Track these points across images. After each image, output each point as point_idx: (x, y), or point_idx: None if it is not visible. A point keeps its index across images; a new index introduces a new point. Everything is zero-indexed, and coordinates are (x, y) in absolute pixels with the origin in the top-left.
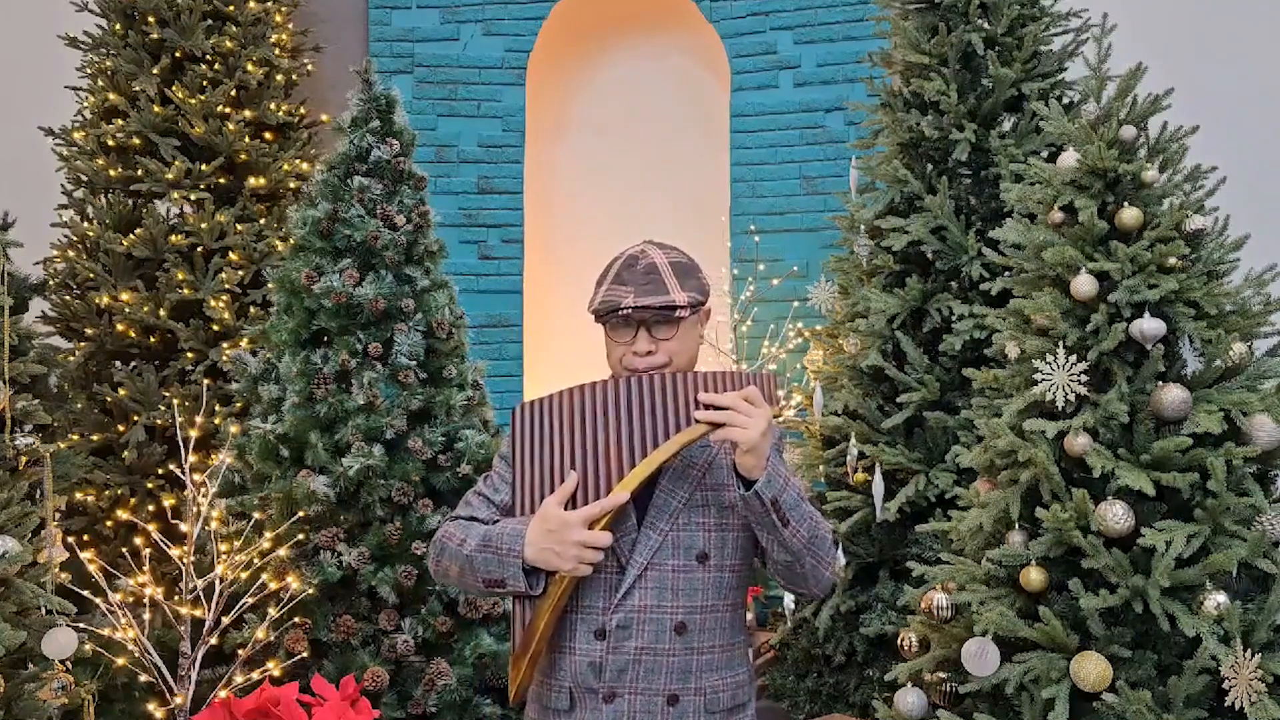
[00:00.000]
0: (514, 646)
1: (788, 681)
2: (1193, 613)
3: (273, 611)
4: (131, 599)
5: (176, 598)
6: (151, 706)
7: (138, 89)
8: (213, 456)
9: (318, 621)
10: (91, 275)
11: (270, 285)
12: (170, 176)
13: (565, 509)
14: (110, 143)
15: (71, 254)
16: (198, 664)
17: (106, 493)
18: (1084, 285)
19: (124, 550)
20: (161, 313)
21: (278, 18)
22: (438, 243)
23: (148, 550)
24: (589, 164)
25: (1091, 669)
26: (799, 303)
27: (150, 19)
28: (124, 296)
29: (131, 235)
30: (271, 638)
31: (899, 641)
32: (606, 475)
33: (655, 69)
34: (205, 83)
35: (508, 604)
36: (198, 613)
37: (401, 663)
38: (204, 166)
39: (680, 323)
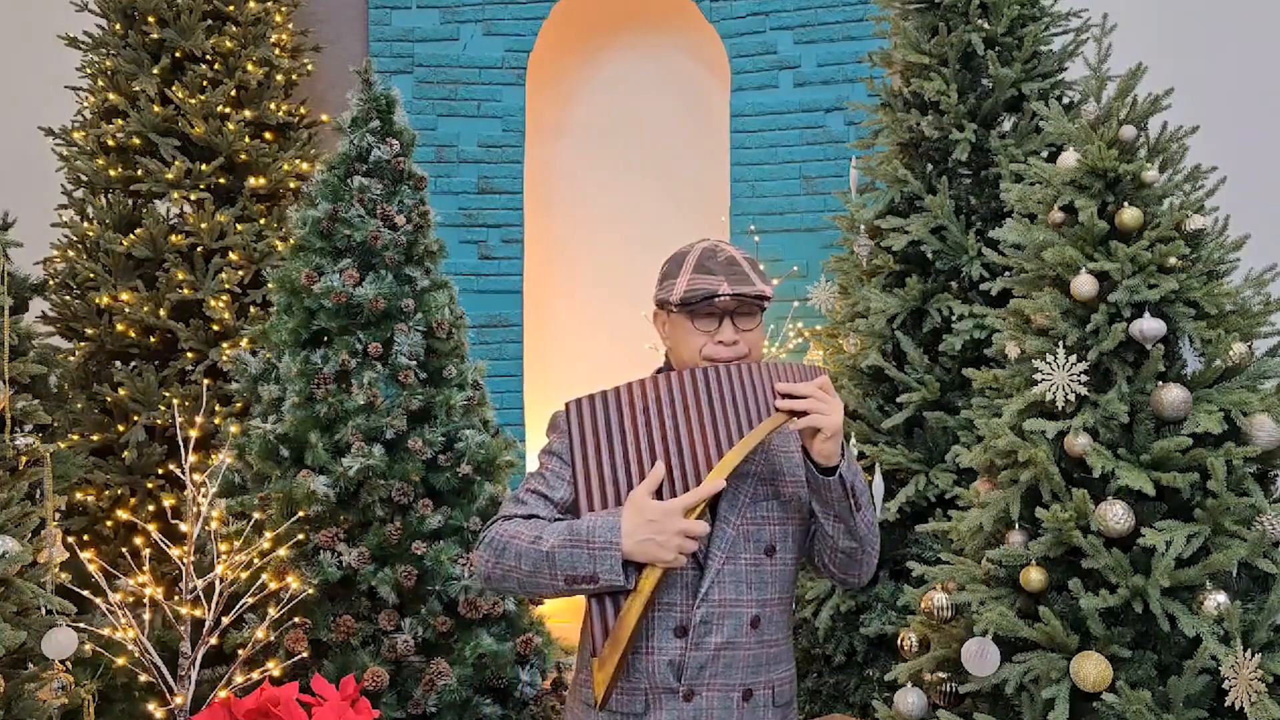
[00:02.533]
0: (597, 648)
1: None
2: (1193, 613)
3: (273, 611)
4: (131, 599)
5: (176, 598)
6: (151, 706)
7: (138, 89)
8: (213, 456)
9: (318, 621)
10: (91, 275)
11: (270, 285)
12: (170, 176)
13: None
14: (110, 143)
15: (71, 254)
16: (198, 664)
17: (106, 493)
18: (1084, 285)
19: (124, 550)
20: (161, 313)
21: (278, 18)
22: (438, 243)
23: (148, 550)
24: (589, 164)
25: (1091, 669)
26: (799, 303)
27: (150, 19)
28: (124, 296)
29: (131, 235)
30: (271, 638)
31: (899, 641)
32: (694, 465)
33: (655, 69)
34: (205, 83)
35: (510, 604)
36: (198, 613)
37: (401, 663)
38: (204, 166)
39: (760, 314)
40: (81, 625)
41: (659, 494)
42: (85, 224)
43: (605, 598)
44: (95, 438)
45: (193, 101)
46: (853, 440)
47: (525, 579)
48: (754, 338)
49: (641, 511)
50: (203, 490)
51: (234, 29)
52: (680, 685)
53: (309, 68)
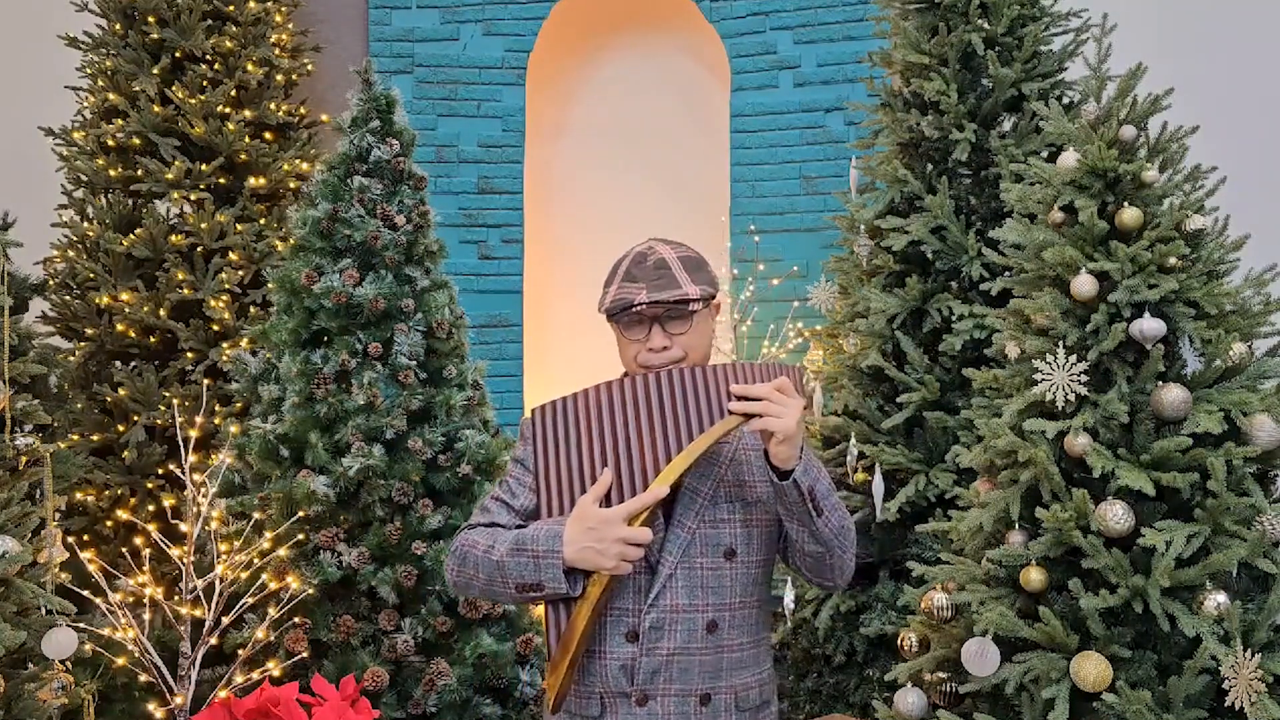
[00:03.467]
0: (549, 653)
1: (788, 681)
2: (1193, 613)
3: (273, 611)
4: (131, 599)
5: (176, 598)
6: (151, 706)
7: (138, 89)
8: (213, 456)
9: (318, 621)
10: (91, 275)
11: (270, 285)
12: (170, 176)
13: (600, 507)
14: (110, 143)
15: (71, 254)
16: (198, 664)
17: (106, 493)
18: (1084, 285)
19: (124, 550)
20: (161, 313)
21: (278, 18)
22: (438, 243)
23: (148, 550)
24: (589, 164)
25: (1091, 669)
26: (799, 303)
27: (150, 19)
28: (124, 296)
29: (131, 235)
30: (271, 638)
31: (899, 641)
32: (641, 471)
33: (655, 69)
34: (205, 83)
35: (509, 605)
36: (198, 613)
37: (401, 663)
38: (204, 166)
39: (693, 316)
40: (81, 625)
41: (608, 500)
42: (85, 224)
43: (558, 604)
44: (95, 438)
45: (193, 101)
46: (853, 440)
47: (483, 587)
48: (690, 340)
49: (583, 519)
50: (203, 490)
51: (234, 29)
52: (633, 689)
53: (309, 68)
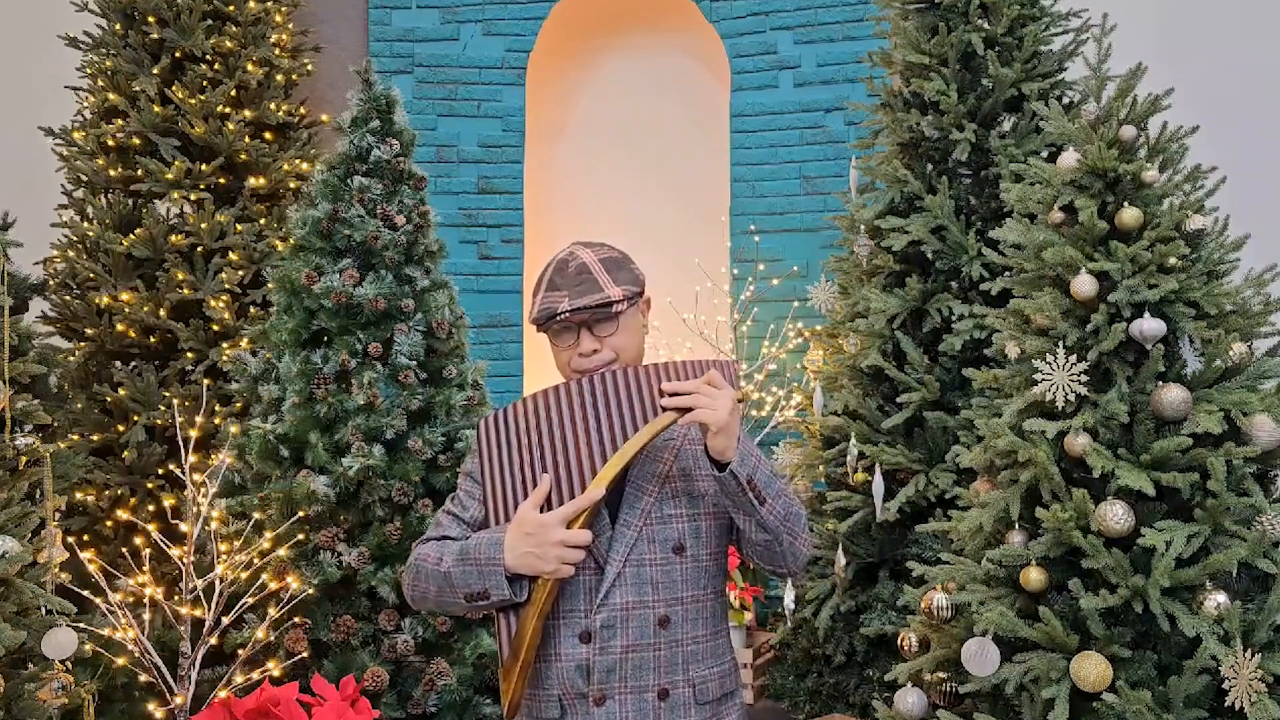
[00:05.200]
0: (502, 659)
1: (788, 681)
2: (1193, 613)
3: (273, 611)
4: (131, 599)
5: (176, 598)
6: (151, 706)
7: (138, 89)
8: (213, 456)
9: (318, 621)
10: (91, 275)
11: (270, 285)
12: (170, 176)
13: (541, 512)
14: (110, 143)
15: (71, 254)
16: (198, 664)
17: (106, 493)
18: (1084, 285)
19: (124, 550)
20: (161, 313)
21: (278, 18)
22: (438, 243)
23: (148, 550)
24: (589, 164)
25: (1091, 669)
26: (799, 303)
27: (150, 19)
28: (124, 296)
29: (131, 235)
30: (271, 638)
31: (899, 641)
32: (580, 474)
33: (655, 69)
34: (205, 83)
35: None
36: (198, 613)
37: (401, 663)
38: (204, 166)
39: (619, 317)
40: (81, 625)
41: (549, 505)
42: (85, 224)
43: (507, 611)
44: (95, 438)
45: (193, 101)
46: (853, 440)
47: (435, 599)
48: (619, 340)
49: (521, 525)
50: (203, 490)
51: (234, 29)
52: (590, 689)
53: (309, 68)
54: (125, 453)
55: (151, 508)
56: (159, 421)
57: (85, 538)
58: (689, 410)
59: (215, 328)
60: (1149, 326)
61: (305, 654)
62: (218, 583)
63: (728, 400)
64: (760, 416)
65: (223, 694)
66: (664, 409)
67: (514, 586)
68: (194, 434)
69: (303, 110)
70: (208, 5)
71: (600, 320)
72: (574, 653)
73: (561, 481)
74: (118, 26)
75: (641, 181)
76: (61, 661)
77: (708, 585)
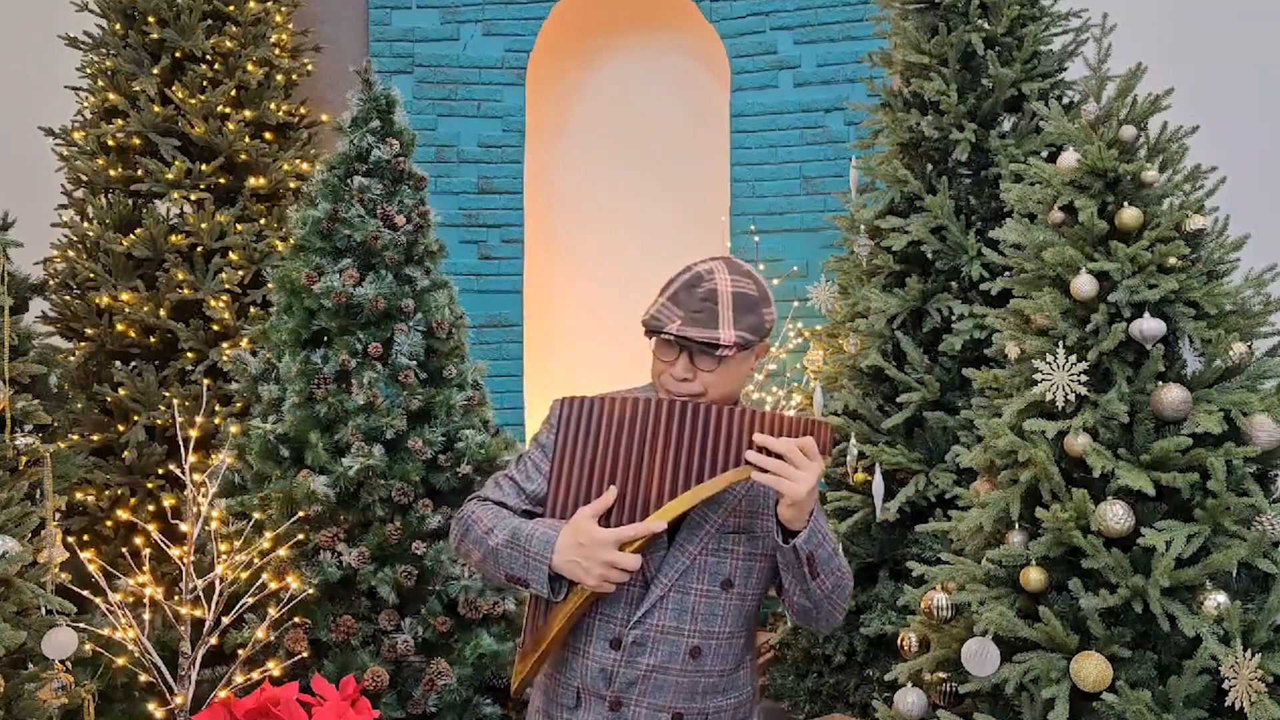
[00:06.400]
0: (524, 640)
1: (788, 681)
2: (1193, 613)
3: (273, 611)
4: (131, 599)
5: (176, 598)
6: (151, 706)
7: (138, 89)
8: (213, 456)
9: (318, 621)
10: (91, 275)
11: (270, 285)
12: (170, 176)
13: (599, 523)
14: (110, 143)
15: (71, 254)
16: (198, 664)
17: (106, 493)
18: (1084, 285)
19: (124, 550)
20: (161, 313)
21: (278, 18)
22: (438, 243)
23: (148, 550)
24: (589, 164)
25: (1091, 669)
26: (799, 303)
27: (150, 19)
28: (124, 296)
29: (131, 235)
30: (271, 638)
31: (899, 641)
32: (645, 498)
33: (655, 69)
34: (205, 83)
35: (510, 603)
36: (198, 613)
37: (401, 663)
38: (204, 166)
39: (723, 360)
40: (81, 625)
41: (607, 516)
42: (85, 224)
43: (542, 602)
44: (95, 438)
45: (193, 101)
46: (853, 440)
47: (478, 563)
48: (713, 379)
49: (577, 533)
50: (203, 490)
51: (234, 29)
52: (609, 693)
53: (309, 68)
54: (125, 453)
55: (151, 508)
56: (159, 421)
57: (85, 538)
58: (769, 471)
59: (215, 328)
60: (1149, 326)
61: (305, 654)
62: (218, 583)
63: (812, 475)
64: None
65: (223, 694)
66: (747, 462)
67: (554, 585)
68: (194, 434)
69: (303, 110)
70: (208, 5)
71: (704, 354)
72: (601, 656)
73: (625, 498)
74: (118, 26)
75: (641, 182)
76: (61, 661)
77: (744, 625)
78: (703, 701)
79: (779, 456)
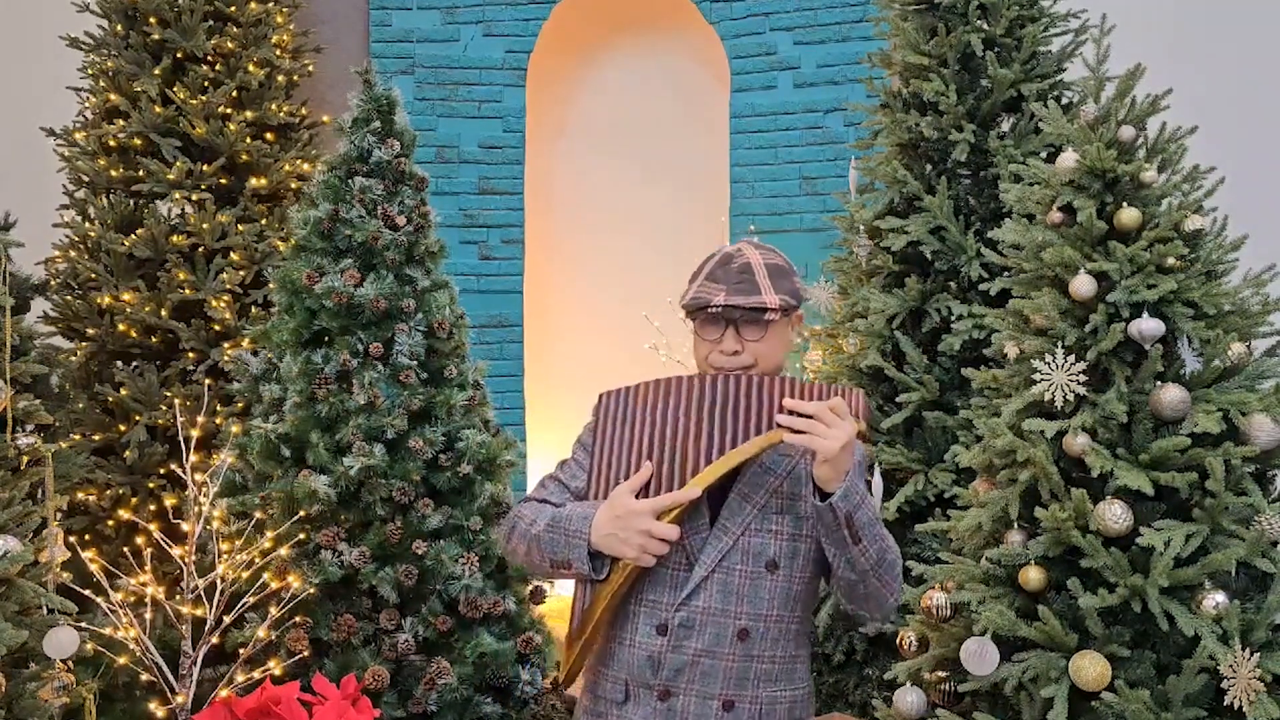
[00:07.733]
0: (571, 629)
1: None
2: (1191, 612)
3: (274, 611)
4: (133, 598)
5: (178, 597)
6: (153, 706)
7: (139, 90)
8: (214, 456)
9: (319, 621)
10: (93, 275)
11: (271, 285)
12: (171, 177)
13: (637, 498)
14: (111, 143)
15: (73, 254)
16: (199, 663)
17: (108, 492)
18: (1083, 285)
19: (125, 550)
20: (163, 313)
21: (279, 19)
22: (438, 243)
23: (149, 550)
24: (589, 164)
25: (1090, 668)
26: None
27: (151, 20)
28: (125, 297)
29: (133, 235)
30: (272, 637)
31: (898, 641)
32: (682, 469)
33: (655, 69)
34: (206, 83)
35: (510, 603)
36: (199, 612)
37: (402, 662)
38: (205, 167)
39: (770, 325)
40: (83, 625)
41: (646, 491)
42: (87, 224)
43: (586, 585)
44: (97, 437)
45: (194, 102)
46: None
47: (524, 559)
48: (762, 348)
49: (613, 507)
50: (204, 490)
51: (235, 30)
52: (657, 682)
53: (310, 69)
54: (127, 452)
55: (153, 507)
56: (160, 421)
57: (87, 537)
58: (801, 432)
59: (216, 328)
60: (1148, 326)
61: (306, 653)
62: (219, 582)
63: (843, 433)
64: None
65: (224, 693)
66: (778, 425)
67: (595, 563)
68: (195, 434)
69: (304, 111)
70: (209, 6)
71: (750, 323)
72: (648, 643)
73: (663, 472)
74: (119, 27)
75: (641, 182)
76: (63, 661)
77: (795, 608)
78: (755, 689)
79: (810, 419)
